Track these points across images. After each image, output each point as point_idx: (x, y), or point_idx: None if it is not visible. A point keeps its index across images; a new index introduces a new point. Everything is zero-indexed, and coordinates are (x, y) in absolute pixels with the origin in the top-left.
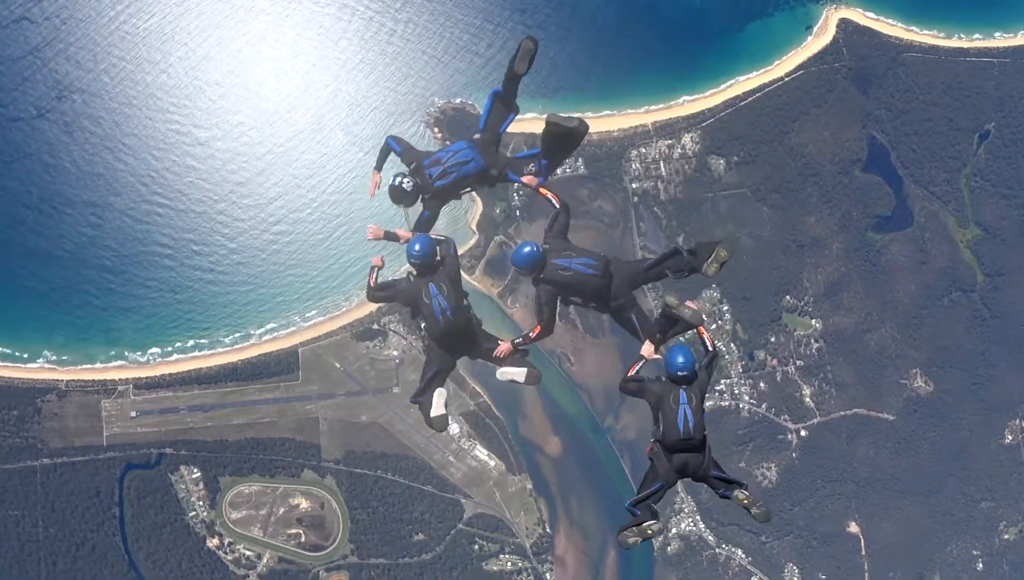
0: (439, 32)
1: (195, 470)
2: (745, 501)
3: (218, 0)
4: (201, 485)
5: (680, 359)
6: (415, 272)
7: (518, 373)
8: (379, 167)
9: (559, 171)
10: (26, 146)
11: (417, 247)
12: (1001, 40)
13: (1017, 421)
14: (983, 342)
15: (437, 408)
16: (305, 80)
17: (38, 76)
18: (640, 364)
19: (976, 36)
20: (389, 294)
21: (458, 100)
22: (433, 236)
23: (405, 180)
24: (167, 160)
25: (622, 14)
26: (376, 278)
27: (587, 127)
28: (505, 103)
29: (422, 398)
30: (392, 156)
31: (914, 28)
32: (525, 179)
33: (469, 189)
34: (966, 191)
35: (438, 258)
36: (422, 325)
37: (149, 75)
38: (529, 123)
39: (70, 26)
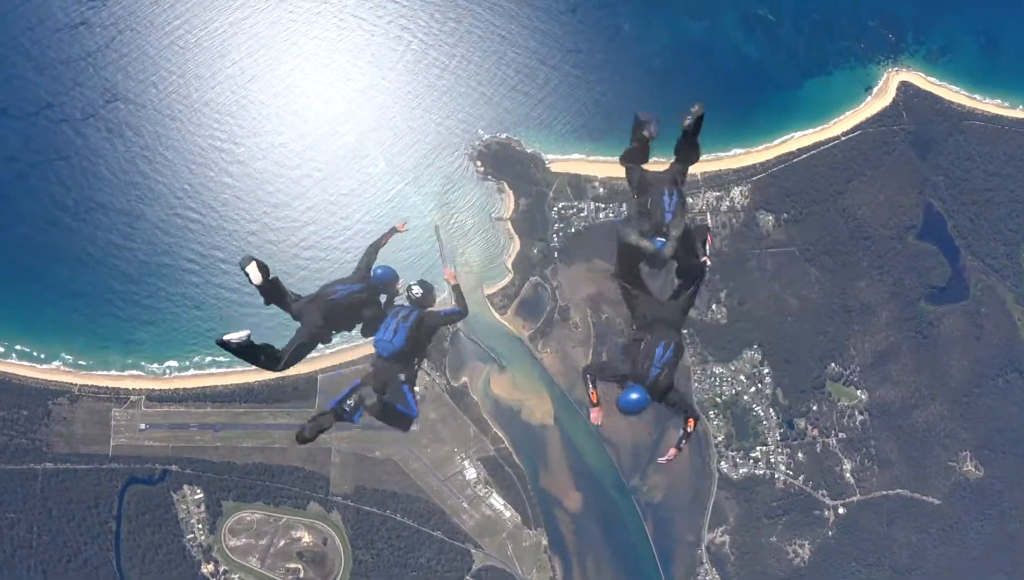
0: (491, 70)
1: (198, 491)
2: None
3: (272, 22)
4: (203, 507)
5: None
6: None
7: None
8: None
9: (602, 215)
10: (67, 148)
11: (379, 271)
12: None
13: None
14: None
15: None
16: (351, 106)
17: (90, 81)
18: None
19: None
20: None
21: (503, 136)
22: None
23: (415, 289)
24: (203, 175)
25: (678, 61)
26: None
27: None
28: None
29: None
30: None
31: (977, 96)
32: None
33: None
34: None
35: (393, 290)
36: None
37: (195, 90)
38: (575, 164)
39: (125, 35)
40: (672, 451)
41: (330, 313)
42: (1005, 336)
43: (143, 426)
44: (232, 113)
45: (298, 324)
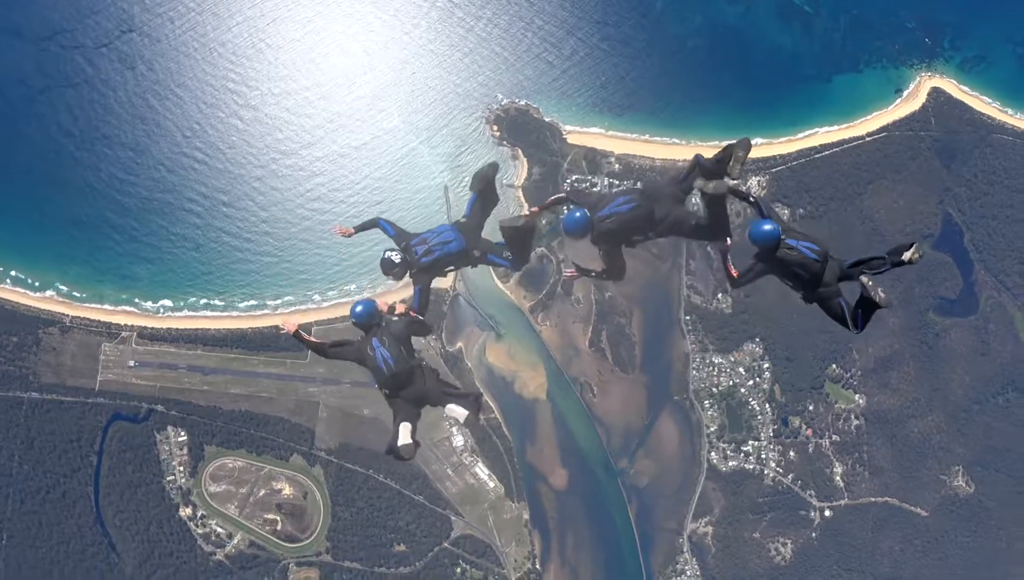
0: (517, 35)
1: (182, 433)
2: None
3: None
4: (185, 450)
5: (766, 227)
6: (360, 330)
7: (460, 413)
8: (359, 230)
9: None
10: (77, 76)
11: (359, 309)
12: None
13: None
14: None
15: (403, 438)
16: (371, 58)
17: (107, 10)
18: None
19: None
20: (342, 351)
21: (523, 102)
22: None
23: (394, 254)
24: (213, 116)
25: (710, 44)
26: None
27: (532, 224)
28: (485, 200)
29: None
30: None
31: (1009, 110)
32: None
33: (453, 267)
34: None
35: (379, 320)
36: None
37: (213, 28)
38: (592, 137)
39: None
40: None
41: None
42: (1010, 355)
43: (132, 363)
44: (248, 55)
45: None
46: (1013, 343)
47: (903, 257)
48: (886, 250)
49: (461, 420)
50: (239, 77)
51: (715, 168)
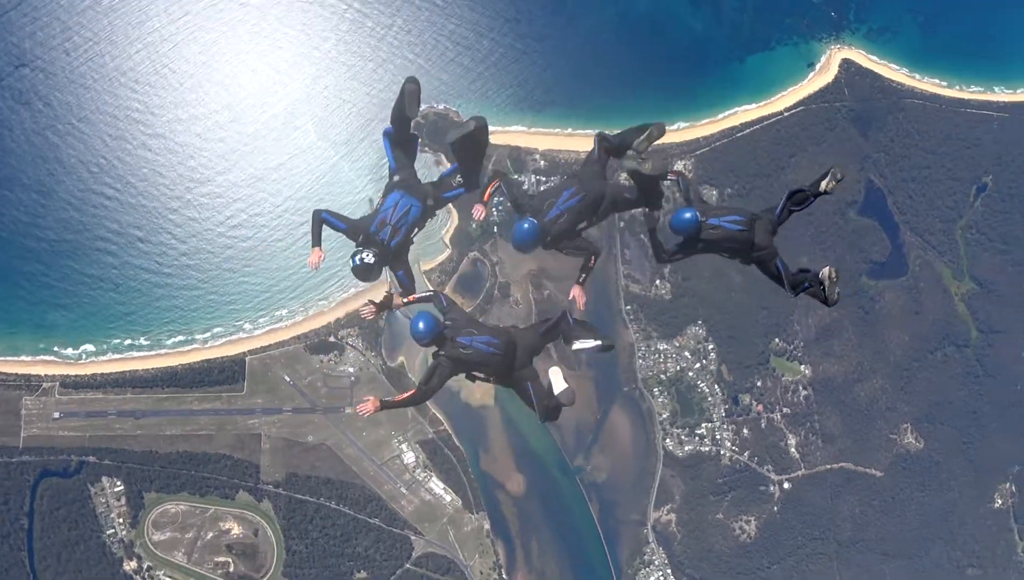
0: (429, 42)
1: (118, 483)
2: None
3: None
4: (123, 500)
5: (686, 215)
6: (434, 348)
7: (594, 346)
8: (318, 241)
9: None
10: None
11: (421, 326)
12: (1002, 95)
13: (1008, 485)
14: (975, 400)
15: (558, 385)
16: (281, 76)
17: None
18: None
19: (976, 88)
20: (439, 382)
21: (441, 106)
22: (420, 295)
23: (365, 254)
24: (120, 148)
25: (623, 34)
26: (395, 398)
27: (484, 123)
28: (401, 139)
29: (550, 406)
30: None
31: (916, 75)
32: (475, 211)
33: (417, 230)
34: (962, 243)
35: (445, 322)
36: (489, 378)
37: (111, 58)
38: (514, 136)
39: None
40: (578, 290)
41: None
42: (942, 311)
43: (57, 415)
44: (151, 83)
45: None
46: (944, 299)
47: (821, 187)
48: (807, 184)
49: (590, 346)
50: (143, 106)
51: (618, 145)
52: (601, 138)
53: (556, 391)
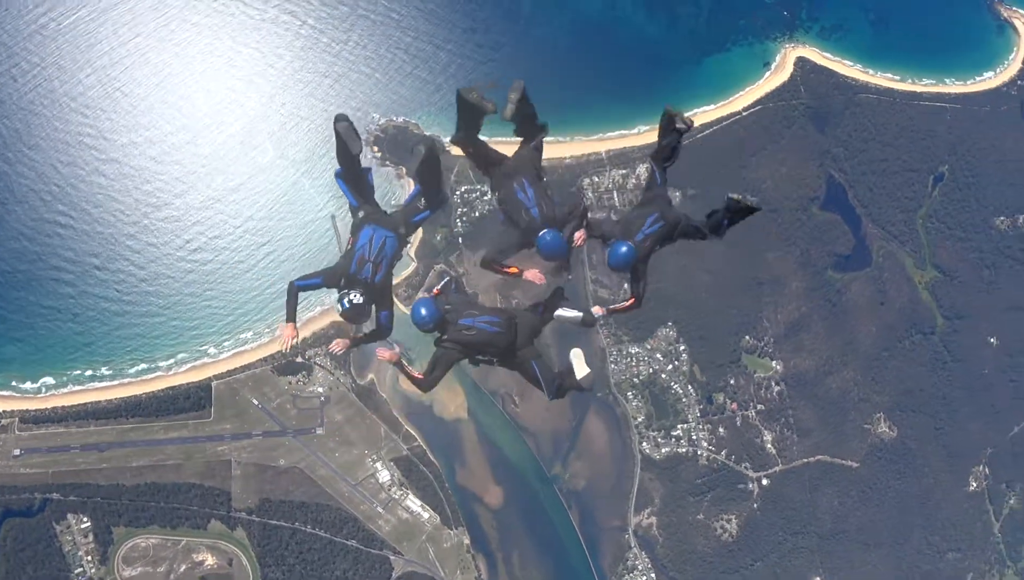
0: (387, 56)
1: (84, 519)
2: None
3: (147, 7)
4: (91, 537)
5: (623, 249)
6: (437, 334)
7: (574, 316)
8: (293, 315)
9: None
10: None
11: (423, 311)
12: (953, 87)
13: (981, 467)
14: (945, 386)
15: (580, 369)
16: (236, 95)
17: None
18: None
19: (928, 81)
20: (442, 371)
21: (400, 119)
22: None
23: (352, 295)
24: (73, 175)
25: (579, 41)
26: (409, 368)
27: (432, 144)
28: (353, 175)
29: (561, 384)
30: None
31: (870, 70)
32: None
33: (396, 262)
34: (922, 232)
35: (445, 306)
36: (493, 360)
37: (60, 83)
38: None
39: None
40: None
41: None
42: (907, 299)
43: (17, 452)
44: (103, 107)
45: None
46: (908, 287)
47: (676, 126)
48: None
49: (571, 316)
50: (95, 131)
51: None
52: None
53: (578, 375)
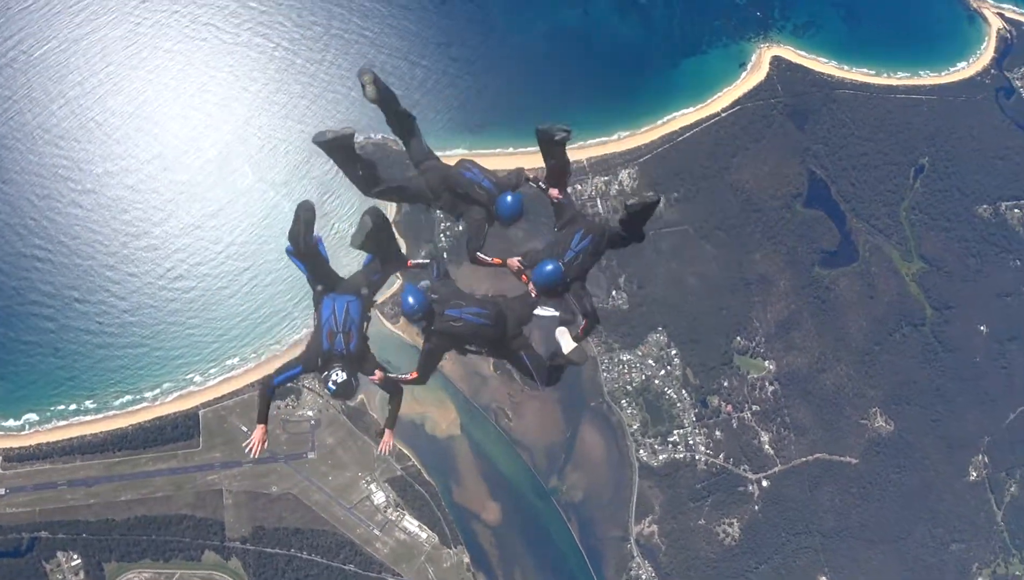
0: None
1: (75, 556)
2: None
3: (117, 37)
4: (82, 574)
5: (548, 267)
6: (424, 323)
7: (551, 313)
8: (264, 418)
9: None
10: None
11: (411, 300)
12: (928, 78)
13: (979, 457)
14: (938, 377)
15: (567, 344)
16: (211, 120)
17: None
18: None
19: (903, 74)
20: (435, 363)
21: (379, 136)
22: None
23: (334, 374)
24: (49, 208)
25: (556, 49)
26: (400, 376)
27: (377, 213)
28: (306, 251)
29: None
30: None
31: (845, 66)
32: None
33: (367, 325)
34: (907, 224)
35: (434, 296)
36: (482, 351)
37: (33, 116)
38: (456, 160)
39: None
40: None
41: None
42: (896, 292)
43: (2, 491)
44: (77, 137)
45: None
46: (896, 280)
47: (556, 138)
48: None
49: (548, 315)
50: (70, 162)
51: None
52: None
53: (566, 350)
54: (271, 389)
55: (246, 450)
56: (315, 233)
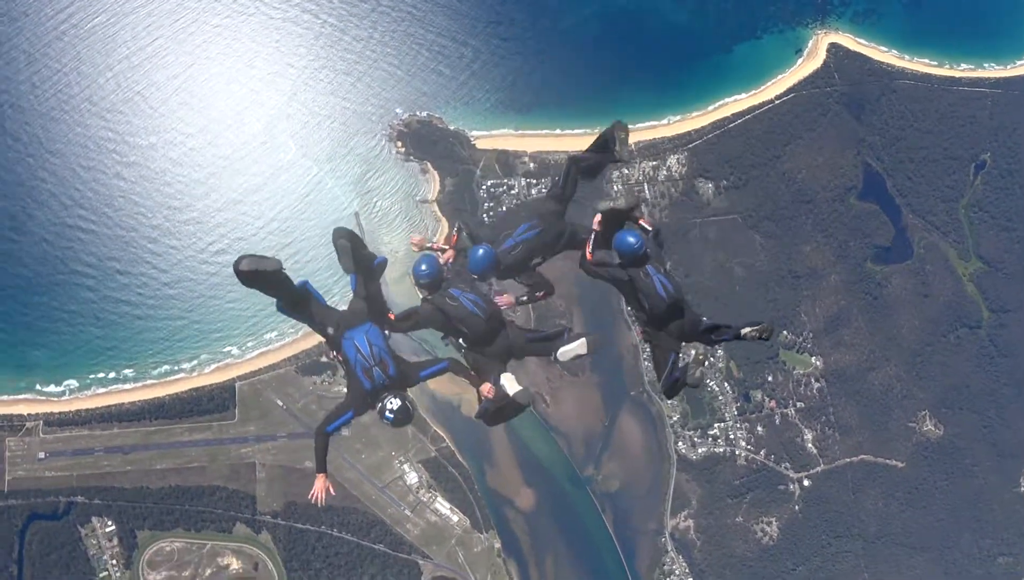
0: (411, 53)
1: (109, 522)
2: (756, 333)
3: (164, 11)
4: (115, 540)
5: (631, 239)
6: (426, 292)
7: (579, 345)
8: (323, 467)
9: (534, 191)
10: None
11: (424, 267)
12: (992, 71)
13: None
14: (992, 382)
15: (513, 386)
16: (256, 95)
17: None
18: (592, 240)
19: (965, 66)
20: (411, 324)
21: (424, 113)
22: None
23: (388, 403)
24: (93, 179)
25: (607, 31)
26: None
27: (347, 242)
28: (300, 301)
29: (488, 407)
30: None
31: (905, 55)
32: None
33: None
34: (966, 222)
35: (447, 272)
36: (459, 340)
37: (80, 88)
38: (502, 140)
39: (3, 24)
40: (507, 298)
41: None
42: (951, 292)
43: (42, 455)
44: (122, 110)
45: None
46: (952, 280)
47: (742, 332)
48: (743, 322)
49: (584, 351)
50: (116, 134)
51: (597, 159)
52: (573, 161)
53: (512, 393)
54: (324, 438)
55: (311, 500)
56: (299, 282)
